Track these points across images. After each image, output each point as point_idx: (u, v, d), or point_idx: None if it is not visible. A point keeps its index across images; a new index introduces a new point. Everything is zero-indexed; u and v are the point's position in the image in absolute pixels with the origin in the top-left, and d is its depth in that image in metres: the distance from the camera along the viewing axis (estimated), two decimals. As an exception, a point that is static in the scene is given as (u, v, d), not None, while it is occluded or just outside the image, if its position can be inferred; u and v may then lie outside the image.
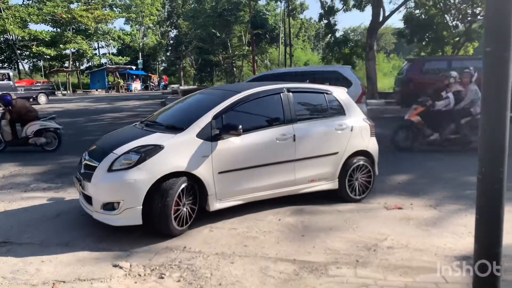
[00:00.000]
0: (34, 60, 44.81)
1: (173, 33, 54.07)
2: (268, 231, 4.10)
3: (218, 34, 32.64)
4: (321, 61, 26.81)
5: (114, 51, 51.60)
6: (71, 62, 43.92)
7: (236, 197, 4.44)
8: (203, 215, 4.52)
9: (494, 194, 2.24)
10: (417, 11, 22.33)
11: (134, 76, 44.30)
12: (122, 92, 39.34)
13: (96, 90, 39.95)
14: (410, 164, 7.11)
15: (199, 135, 4.19)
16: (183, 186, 4.03)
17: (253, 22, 30.35)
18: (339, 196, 5.15)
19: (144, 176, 3.88)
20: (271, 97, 4.85)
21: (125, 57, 48.02)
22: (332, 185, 5.07)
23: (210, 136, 4.22)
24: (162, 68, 60.09)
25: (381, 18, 20.02)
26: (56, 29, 41.91)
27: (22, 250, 3.79)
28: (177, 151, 4.08)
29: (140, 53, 50.05)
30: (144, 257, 3.60)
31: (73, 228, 4.32)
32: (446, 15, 21.45)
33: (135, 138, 4.28)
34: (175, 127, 4.41)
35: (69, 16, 38.43)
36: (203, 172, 4.14)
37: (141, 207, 3.89)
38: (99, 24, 43.56)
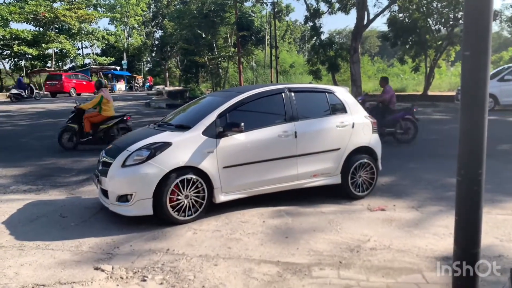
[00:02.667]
0: (16, 59, 43.91)
1: (158, 33, 53.70)
2: (252, 233, 4.09)
3: (203, 35, 32.50)
4: (307, 63, 26.91)
5: (98, 51, 51.00)
6: (53, 62, 43.17)
7: (241, 190, 4.75)
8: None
9: (473, 195, 2.29)
10: (400, 15, 22.63)
11: (117, 76, 43.79)
12: (106, 92, 38.79)
13: (79, 90, 39.32)
14: (392, 166, 7.19)
15: (204, 133, 4.56)
16: (180, 179, 4.32)
17: (238, 23, 30.32)
18: (342, 192, 5.35)
19: (154, 170, 4.26)
20: (273, 97, 5.17)
21: (109, 57, 47.47)
22: (335, 180, 5.27)
23: (215, 133, 4.57)
24: (147, 68, 59.58)
25: (365, 21, 20.24)
26: (39, 28, 41.16)
27: (1, 253, 3.70)
28: (184, 148, 4.44)
29: (124, 54, 49.50)
30: (126, 260, 3.55)
31: (53, 230, 4.25)
32: (429, 19, 21.80)
33: (147, 136, 4.66)
34: (184, 126, 4.80)
35: (52, 15, 37.78)
36: (208, 166, 4.48)
37: (152, 198, 4.25)
38: (83, 24, 42.93)
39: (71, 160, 7.96)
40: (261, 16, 38.83)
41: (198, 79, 41.79)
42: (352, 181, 5.30)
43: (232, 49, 32.68)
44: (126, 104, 22.95)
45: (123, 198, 4.34)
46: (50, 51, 41.73)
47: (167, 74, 51.87)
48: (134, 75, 48.20)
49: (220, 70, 34.63)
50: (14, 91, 25.08)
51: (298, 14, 77.21)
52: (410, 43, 22.21)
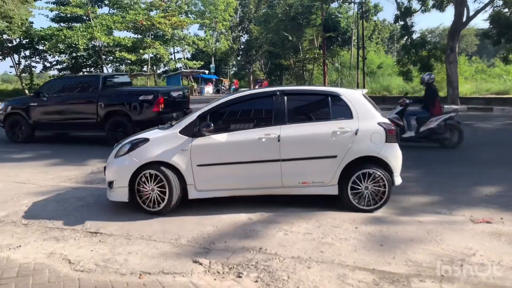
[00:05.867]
0: (117, 64, 48.11)
1: (244, 38, 55.22)
2: (344, 239, 4.00)
3: (289, 38, 32.74)
4: (396, 64, 25.71)
5: (189, 55, 53.82)
6: (149, 66, 46.54)
7: (217, 190, 4.93)
8: (278, 218, 4.58)
9: None
10: (505, 10, 20.58)
11: (206, 80, 45.89)
12: (196, 95, 40.88)
13: (171, 93, 41.87)
14: (497, 175, 6.56)
15: (182, 132, 4.88)
16: (144, 173, 4.77)
17: (325, 25, 30.06)
18: (345, 204, 4.88)
19: (131, 162, 4.83)
20: (262, 99, 5.25)
21: (198, 61, 49.88)
22: (330, 190, 4.88)
23: (192, 133, 4.82)
24: (232, 72, 61.48)
25: (464, 18, 18.78)
26: (137, 36, 44.69)
27: (112, 240, 4.08)
28: (159, 144, 4.87)
29: (212, 58, 51.65)
30: (221, 255, 3.69)
31: (155, 223, 4.57)
32: (540, 14, 19.54)
33: (145, 133, 5.24)
34: (172, 125, 5.18)
35: (149, 23, 40.76)
36: (181, 163, 4.77)
37: (128, 187, 4.80)
38: (176, 30, 45.66)
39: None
40: (348, 16, 38.05)
41: (282, 81, 42.14)
42: (357, 193, 4.81)
43: (317, 51, 32.40)
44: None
45: (110, 185, 4.98)
46: (146, 56, 45.08)
47: (251, 77, 53.04)
48: (221, 78, 50.09)
49: (305, 72, 34.55)
50: None
51: (387, 13, 74.19)
52: (516, 41, 20.07)
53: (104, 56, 43.65)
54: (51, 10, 41.50)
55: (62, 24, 43.74)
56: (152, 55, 45.80)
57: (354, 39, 34.99)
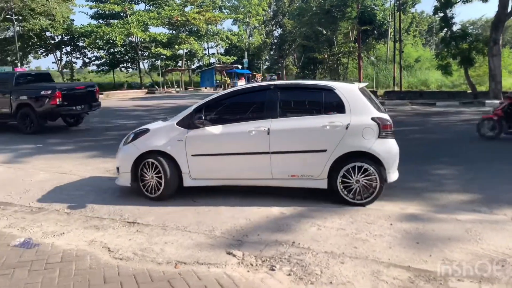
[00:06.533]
0: (152, 60, 49.13)
1: (277, 32, 55.00)
2: (379, 235, 3.95)
3: (324, 32, 32.33)
4: (435, 57, 24.86)
5: (222, 51, 54.21)
6: (184, 62, 47.24)
7: (210, 179, 5.17)
8: (311, 213, 4.57)
9: None
10: (554, -1, 19.44)
11: (239, 74, 46.05)
12: (229, 90, 41.19)
13: (205, 88, 42.44)
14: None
15: (178, 124, 5.16)
16: (147, 161, 5.10)
17: (360, 18, 29.49)
18: (336, 198, 4.85)
19: (133, 150, 5.22)
20: (255, 94, 5.38)
21: (232, 56, 50.14)
22: (319, 184, 4.87)
23: (188, 124, 5.08)
24: (265, 67, 61.41)
25: (509, 9, 17.92)
26: (172, 31, 45.42)
27: (148, 230, 4.20)
28: (157, 135, 5.22)
29: (246, 53, 51.78)
30: (255, 248, 3.73)
31: (189, 214, 4.67)
32: None
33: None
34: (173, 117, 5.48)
35: (184, 18, 41.34)
36: (176, 152, 5.05)
37: (130, 173, 5.20)
38: (210, 26, 46.09)
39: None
40: (384, 8, 37.14)
41: (315, 76, 41.74)
42: (348, 186, 4.75)
43: (352, 44, 31.83)
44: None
45: (118, 170, 5.41)
46: (181, 51, 45.78)
47: (284, 71, 52.83)
48: (254, 73, 50.13)
49: (339, 66, 34.05)
50: None
51: (425, 4, 71.85)
52: None
53: (140, 52, 44.68)
54: (91, 8, 42.90)
55: (100, 21, 45.12)
56: (187, 51, 46.46)
57: (391, 32, 34.10)
